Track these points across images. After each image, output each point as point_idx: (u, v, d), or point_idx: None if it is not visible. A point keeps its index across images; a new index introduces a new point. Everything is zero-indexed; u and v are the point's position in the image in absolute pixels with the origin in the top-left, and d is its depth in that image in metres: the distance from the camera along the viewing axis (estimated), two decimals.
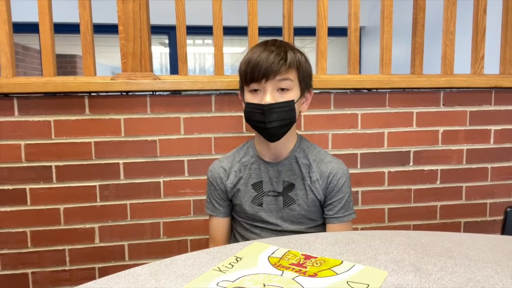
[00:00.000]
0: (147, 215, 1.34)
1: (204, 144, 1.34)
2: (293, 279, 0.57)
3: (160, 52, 6.25)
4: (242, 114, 1.34)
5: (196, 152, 1.34)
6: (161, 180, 1.33)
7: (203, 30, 2.75)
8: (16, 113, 1.23)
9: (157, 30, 2.57)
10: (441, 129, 1.47)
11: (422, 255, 0.66)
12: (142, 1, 1.31)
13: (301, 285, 0.55)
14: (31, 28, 2.18)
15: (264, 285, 0.55)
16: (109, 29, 2.52)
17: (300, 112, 0.98)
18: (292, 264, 0.62)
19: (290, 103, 0.91)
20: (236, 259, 0.64)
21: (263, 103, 0.89)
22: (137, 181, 1.32)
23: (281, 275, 0.58)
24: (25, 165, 1.24)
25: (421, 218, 1.49)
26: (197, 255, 0.68)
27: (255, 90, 0.92)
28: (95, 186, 1.29)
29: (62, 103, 1.25)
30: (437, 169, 1.48)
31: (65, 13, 2.39)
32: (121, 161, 1.30)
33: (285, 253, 0.66)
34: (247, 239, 1.00)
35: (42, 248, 1.30)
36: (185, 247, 1.37)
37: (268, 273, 0.59)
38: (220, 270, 0.60)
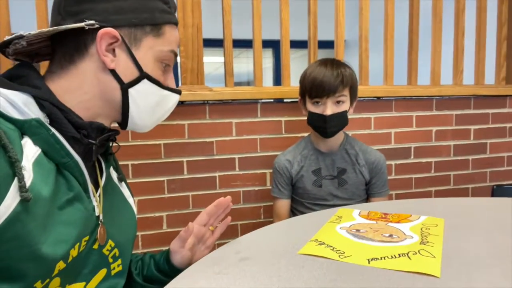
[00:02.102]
0: (205, 204, 1.58)
1: (251, 144, 1.62)
2: (386, 224, 0.87)
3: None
4: (281, 118, 1.64)
5: (245, 151, 1.61)
6: (217, 174, 1.59)
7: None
8: None
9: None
10: (434, 129, 1.84)
11: (450, 210, 0.98)
12: (199, 26, 1.57)
13: (394, 227, 0.85)
14: None
15: (371, 228, 0.84)
16: None
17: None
18: (378, 217, 0.92)
19: (344, 113, 1.22)
20: (338, 217, 0.93)
21: (324, 113, 1.19)
22: (197, 175, 1.57)
23: (377, 223, 0.88)
24: None
25: None
26: (308, 217, 0.96)
27: (317, 102, 1.22)
28: (164, 180, 1.53)
29: None
30: (432, 161, 1.85)
31: None
32: (185, 159, 1.55)
33: (369, 212, 0.96)
34: None
35: None
36: (236, 230, 1.63)
37: (368, 222, 0.88)
38: (334, 222, 0.89)
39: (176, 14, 0.76)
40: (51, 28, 0.61)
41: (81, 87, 0.64)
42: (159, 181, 1.52)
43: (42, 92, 0.60)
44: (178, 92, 0.75)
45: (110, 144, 0.78)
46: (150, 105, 0.70)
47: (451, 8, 1.91)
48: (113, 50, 0.64)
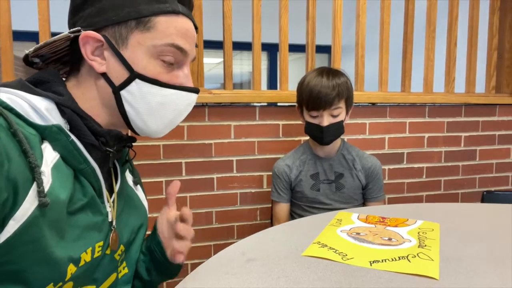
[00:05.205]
0: (202, 205, 1.61)
1: (249, 146, 1.64)
2: (384, 228, 0.90)
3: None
4: (279, 122, 1.67)
5: (242, 153, 1.63)
6: (214, 176, 1.61)
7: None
8: None
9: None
10: (426, 135, 1.89)
11: (444, 215, 1.02)
12: (199, 30, 1.59)
13: (392, 231, 0.88)
14: None
15: (370, 231, 0.87)
16: None
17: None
18: (376, 221, 0.95)
19: (340, 123, 1.25)
20: (338, 220, 0.96)
21: (321, 125, 1.22)
22: (195, 177, 1.58)
23: (375, 227, 0.91)
24: None
25: None
26: (308, 220, 0.99)
27: (314, 115, 1.24)
28: (162, 181, 1.54)
29: None
30: (423, 167, 1.90)
31: None
32: (183, 161, 1.56)
33: (367, 215, 0.99)
34: None
35: None
36: (233, 232, 1.65)
37: (367, 226, 0.92)
38: (334, 225, 0.92)
39: (182, 3, 0.65)
40: (42, 43, 0.63)
41: (88, 94, 0.64)
42: (157, 181, 1.54)
43: (65, 99, 0.60)
44: (192, 90, 0.68)
45: (127, 150, 0.79)
46: (150, 107, 0.64)
47: (445, 18, 1.96)
48: (103, 53, 0.62)
